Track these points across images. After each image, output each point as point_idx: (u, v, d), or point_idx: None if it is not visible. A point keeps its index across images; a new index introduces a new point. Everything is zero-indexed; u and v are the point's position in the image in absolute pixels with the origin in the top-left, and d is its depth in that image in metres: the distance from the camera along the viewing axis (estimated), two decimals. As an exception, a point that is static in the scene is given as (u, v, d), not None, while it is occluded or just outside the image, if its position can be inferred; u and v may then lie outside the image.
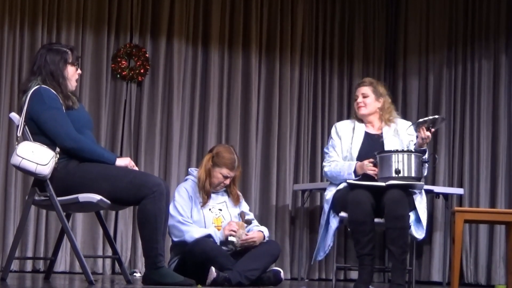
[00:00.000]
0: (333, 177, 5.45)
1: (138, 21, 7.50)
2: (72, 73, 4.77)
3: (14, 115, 4.81)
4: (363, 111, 5.56)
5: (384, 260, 7.80)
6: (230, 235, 5.18)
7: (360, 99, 5.59)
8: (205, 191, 5.32)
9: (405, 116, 8.00)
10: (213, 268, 4.88)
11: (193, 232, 5.15)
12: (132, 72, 7.40)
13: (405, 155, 5.19)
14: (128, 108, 7.42)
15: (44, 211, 6.87)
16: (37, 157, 4.51)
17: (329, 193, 5.47)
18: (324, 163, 5.56)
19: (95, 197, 4.53)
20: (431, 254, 7.67)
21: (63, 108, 4.63)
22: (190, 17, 7.69)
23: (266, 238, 5.34)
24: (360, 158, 5.40)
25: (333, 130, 5.63)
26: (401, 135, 5.51)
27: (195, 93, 7.67)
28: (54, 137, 4.57)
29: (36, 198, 4.70)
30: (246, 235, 5.23)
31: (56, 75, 4.68)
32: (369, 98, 5.57)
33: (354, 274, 7.73)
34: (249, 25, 7.89)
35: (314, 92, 8.14)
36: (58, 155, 4.56)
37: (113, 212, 7.12)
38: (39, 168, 4.51)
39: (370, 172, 5.29)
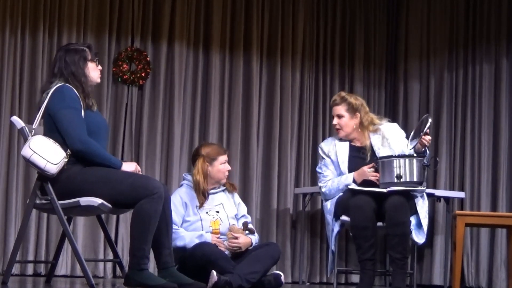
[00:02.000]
0: (332, 194, 5.44)
1: (139, 25, 7.51)
2: (93, 70, 4.80)
3: (15, 119, 4.82)
4: (341, 134, 5.54)
5: (385, 264, 7.80)
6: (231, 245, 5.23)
7: (335, 121, 5.55)
8: (203, 194, 5.35)
9: (405, 120, 8.02)
10: (214, 272, 4.88)
11: (184, 237, 5.18)
12: (133, 76, 7.41)
13: (407, 160, 5.18)
14: (129, 112, 7.42)
15: (45, 215, 6.87)
16: (49, 155, 4.52)
17: (329, 203, 5.47)
18: (320, 184, 5.55)
19: (96, 200, 4.53)
20: (432, 257, 7.66)
21: (83, 109, 4.64)
22: (191, 21, 7.70)
23: (253, 245, 5.33)
24: (352, 171, 5.40)
25: (320, 151, 5.63)
26: (391, 143, 5.48)
27: (196, 96, 7.67)
28: (65, 136, 4.57)
29: (37, 201, 4.71)
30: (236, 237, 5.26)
31: (77, 75, 4.71)
32: (344, 118, 5.52)
33: (355, 278, 7.74)
34: (250, 29, 7.89)
35: (315, 96, 8.14)
36: (68, 157, 4.57)
37: (114, 216, 7.11)
38: (48, 166, 4.52)
39: (372, 178, 5.29)
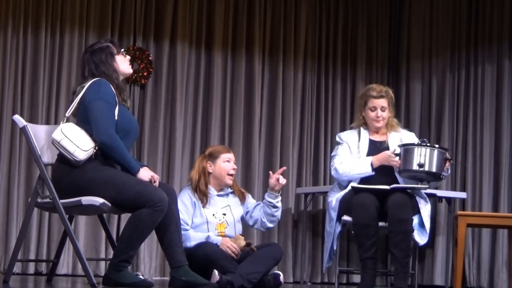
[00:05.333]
0: (345, 173, 5.39)
1: (141, 24, 7.51)
2: (122, 62, 4.80)
3: (17, 118, 4.81)
4: (381, 124, 5.53)
5: (386, 263, 7.80)
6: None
7: (379, 113, 5.52)
8: (201, 192, 5.31)
9: (407, 120, 8.02)
10: (215, 271, 4.88)
11: (192, 238, 5.17)
12: (135, 75, 7.41)
13: (428, 150, 5.19)
14: (131, 111, 7.41)
15: (46, 213, 6.88)
16: (80, 141, 4.52)
17: (334, 199, 5.46)
18: (333, 162, 5.51)
19: (98, 200, 4.52)
20: (433, 257, 7.66)
21: (117, 105, 4.64)
22: (194, 20, 7.70)
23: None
24: None
25: (337, 138, 5.62)
26: None
27: (198, 96, 7.67)
28: (94, 126, 4.57)
29: (39, 200, 4.71)
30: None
31: (108, 73, 4.71)
32: (386, 110, 5.54)
33: (356, 278, 7.73)
34: (252, 29, 7.89)
35: (317, 95, 8.14)
36: (95, 149, 4.56)
37: (116, 215, 7.11)
38: (77, 152, 4.51)
39: (393, 164, 5.28)
